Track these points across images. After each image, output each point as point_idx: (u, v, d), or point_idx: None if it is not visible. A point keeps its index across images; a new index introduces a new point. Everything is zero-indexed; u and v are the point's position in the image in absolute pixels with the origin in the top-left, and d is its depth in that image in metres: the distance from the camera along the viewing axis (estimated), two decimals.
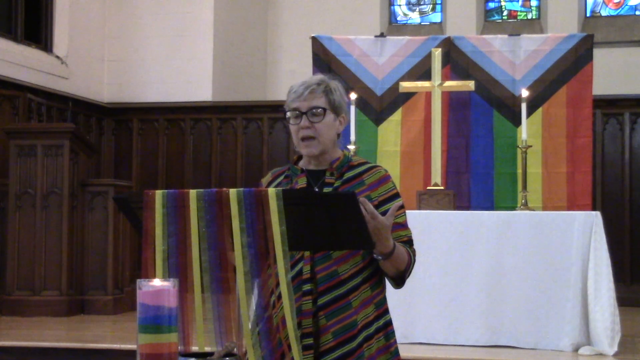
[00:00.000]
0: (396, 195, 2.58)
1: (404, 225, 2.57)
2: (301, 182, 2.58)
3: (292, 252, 2.23)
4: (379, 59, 7.17)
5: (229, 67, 9.82)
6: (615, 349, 5.37)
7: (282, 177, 2.64)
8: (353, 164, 2.60)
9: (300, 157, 2.65)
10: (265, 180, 2.68)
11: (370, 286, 2.51)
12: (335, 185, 2.55)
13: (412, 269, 2.56)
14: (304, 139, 2.54)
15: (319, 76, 2.62)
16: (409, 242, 2.56)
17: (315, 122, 2.53)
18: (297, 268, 2.43)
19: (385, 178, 2.58)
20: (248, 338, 2.09)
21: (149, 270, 2.12)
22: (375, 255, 2.45)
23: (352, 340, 2.45)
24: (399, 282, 2.55)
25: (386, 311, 2.58)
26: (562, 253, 5.60)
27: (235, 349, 2.03)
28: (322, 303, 2.44)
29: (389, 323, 2.58)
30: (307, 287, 2.43)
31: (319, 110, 2.53)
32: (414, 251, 2.56)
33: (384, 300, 2.58)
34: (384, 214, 2.41)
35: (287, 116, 2.58)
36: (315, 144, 2.54)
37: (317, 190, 2.53)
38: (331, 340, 2.43)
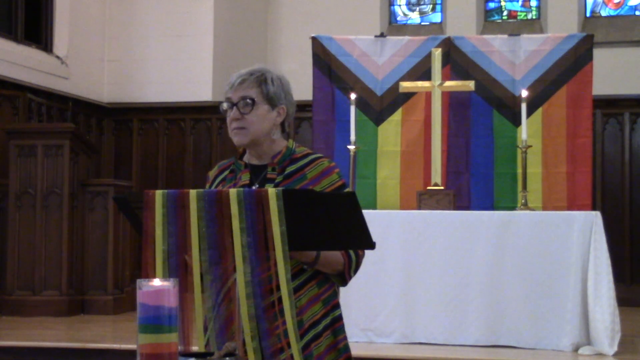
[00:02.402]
0: (341, 187, 2.51)
1: None
2: (244, 178, 2.52)
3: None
4: (379, 59, 7.17)
5: (229, 67, 9.79)
6: (615, 349, 5.37)
7: (227, 172, 2.59)
8: (296, 157, 2.53)
9: (244, 151, 2.59)
10: (212, 174, 2.63)
11: (317, 284, 2.45)
12: (276, 180, 2.49)
13: (354, 267, 2.48)
14: (234, 129, 2.49)
15: (256, 66, 2.54)
16: None
17: (244, 112, 2.47)
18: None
19: (329, 170, 2.51)
20: (248, 338, 2.09)
21: (149, 270, 2.12)
22: (303, 266, 2.40)
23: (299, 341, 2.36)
24: (341, 280, 2.50)
25: (335, 307, 2.49)
26: (562, 253, 5.60)
27: (235, 349, 2.03)
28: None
29: (338, 319, 2.49)
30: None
31: (249, 101, 2.47)
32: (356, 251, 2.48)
33: (333, 295, 2.50)
34: None
35: (223, 108, 2.52)
36: (245, 133, 2.47)
37: (257, 186, 2.47)
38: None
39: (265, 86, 2.48)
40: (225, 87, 2.52)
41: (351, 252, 2.46)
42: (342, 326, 2.50)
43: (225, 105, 2.50)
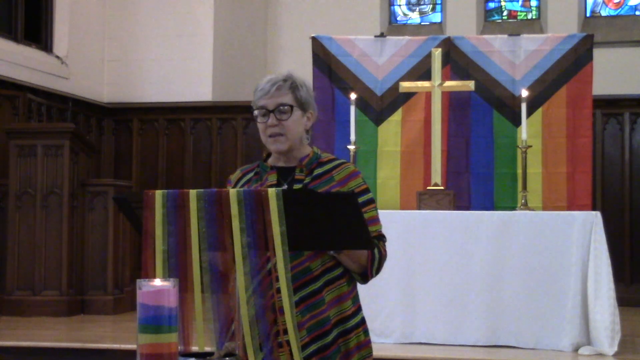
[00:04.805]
0: (366, 190, 2.60)
1: (373, 220, 2.58)
2: (271, 179, 2.59)
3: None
4: (379, 59, 7.17)
5: (229, 67, 9.82)
6: (615, 349, 5.37)
7: (251, 174, 2.65)
8: (322, 161, 2.62)
9: (269, 154, 2.66)
10: (234, 177, 2.69)
11: (346, 281, 2.55)
12: (305, 181, 2.57)
13: (377, 264, 2.56)
14: (271, 135, 2.56)
15: (285, 72, 2.62)
16: (377, 237, 2.57)
17: (282, 119, 2.54)
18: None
19: (355, 173, 2.60)
20: (248, 338, 2.09)
21: (149, 270, 2.12)
22: (328, 253, 2.48)
23: (326, 336, 2.47)
24: (363, 277, 2.57)
25: (360, 307, 2.62)
26: (562, 253, 5.60)
27: (235, 349, 2.03)
28: (296, 299, 2.44)
29: (364, 320, 2.62)
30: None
31: (286, 107, 2.54)
32: (382, 246, 2.57)
33: (358, 296, 2.62)
34: None
35: (254, 114, 2.59)
36: (283, 140, 2.55)
37: (286, 186, 2.54)
38: (306, 336, 2.45)
39: (298, 92, 2.57)
40: (257, 94, 2.57)
41: (374, 249, 2.53)
42: (367, 327, 2.63)
43: (257, 112, 2.56)
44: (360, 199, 2.54)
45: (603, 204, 8.42)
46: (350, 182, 2.57)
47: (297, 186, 2.54)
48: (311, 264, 2.47)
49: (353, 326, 2.54)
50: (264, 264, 2.11)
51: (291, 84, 2.56)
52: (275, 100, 2.54)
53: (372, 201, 2.59)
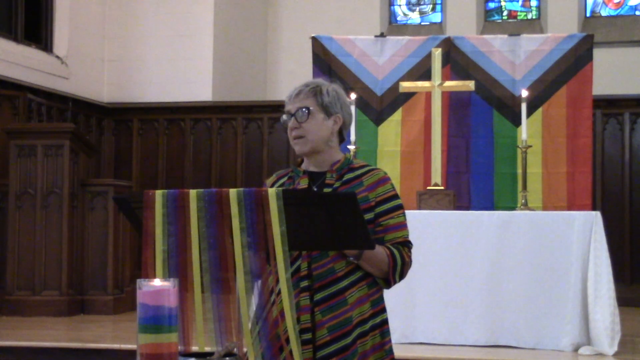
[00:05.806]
0: (395, 197, 2.66)
1: (400, 227, 2.63)
2: (303, 183, 2.66)
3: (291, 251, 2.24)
4: (379, 59, 7.17)
5: (229, 67, 9.82)
6: (615, 349, 5.37)
7: (285, 179, 2.72)
8: (354, 167, 2.68)
9: (303, 160, 2.73)
10: (269, 181, 2.76)
11: (367, 284, 2.58)
12: (334, 186, 2.62)
13: (400, 270, 2.60)
14: (294, 137, 2.65)
15: (314, 79, 2.72)
16: (402, 244, 2.61)
17: (302, 121, 2.61)
18: (295, 265, 2.49)
19: (384, 180, 2.65)
20: (248, 338, 2.09)
21: (149, 270, 2.12)
22: (348, 258, 2.53)
23: (347, 336, 2.51)
24: (386, 282, 2.62)
25: (383, 310, 2.64)
26: (562, 253, 5.60)
27: (235, 349, 2.03)
28: (318, 299, 2.51)
29: (385, 322, 2.63)
30: (304, 283, 2.50)
31: (305, 110, 2.62)
32: (406, 252, 2.61)
33: (381, 299, 2.64)
34: (382, 213, 2.56)
35: (282, 119, 2.68)
36: (304, 142, 2.63)
37: (316, 190, 2.59)
38: (326, 335, 2.49)
39: (320, 97, 2.65)
40: (286, 100, 2.68)
41: (397, 255, 2.58)
42: (389, 329, 2.65)
43: (284, 117, 2.67)
44: (389, 205, 2.62)
45: (603, 204, 8.42)
46: (378, 188, 2.63)
47: (327, 190, 2.60)
48: (335, 265, 2.52)
49: (369, 328, 2.57)
50: (264, 264, 2.11)
51: (313, 89, 2.64)
52: (295, 105, 2.63)
53: (400, 207, 2.65)
